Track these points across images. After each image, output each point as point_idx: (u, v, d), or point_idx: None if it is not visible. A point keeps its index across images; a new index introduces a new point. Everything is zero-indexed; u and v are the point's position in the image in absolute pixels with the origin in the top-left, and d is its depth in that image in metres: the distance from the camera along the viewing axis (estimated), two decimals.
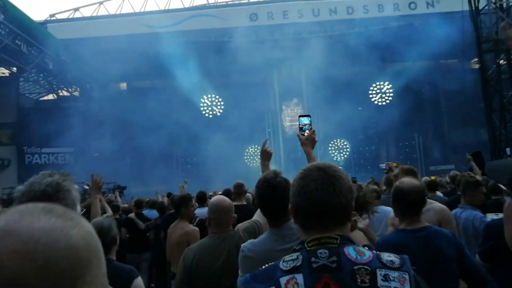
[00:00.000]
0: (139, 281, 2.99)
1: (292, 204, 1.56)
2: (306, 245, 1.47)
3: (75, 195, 1.79)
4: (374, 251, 1.46)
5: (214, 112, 42.58)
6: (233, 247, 3.04)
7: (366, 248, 1.49)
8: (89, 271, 0.72)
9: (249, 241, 2.58)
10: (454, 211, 4.81)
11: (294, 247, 1.51)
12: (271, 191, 2.57)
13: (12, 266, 0.64)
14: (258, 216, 3.34)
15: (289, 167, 36.04)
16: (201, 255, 3.14)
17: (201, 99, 41.94)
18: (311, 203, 1.48)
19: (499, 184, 5.44)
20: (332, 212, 1.48)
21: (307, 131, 2.94)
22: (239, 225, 3.60)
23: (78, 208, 1.82)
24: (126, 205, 11.15)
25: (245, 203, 6.42)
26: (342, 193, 1.49)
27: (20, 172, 34.41)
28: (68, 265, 0.69)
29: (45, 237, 0.68)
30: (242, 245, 2.55)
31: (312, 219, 1.50)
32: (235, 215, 3.32)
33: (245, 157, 41.62)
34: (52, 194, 1.70)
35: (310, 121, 2.95)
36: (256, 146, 42.00)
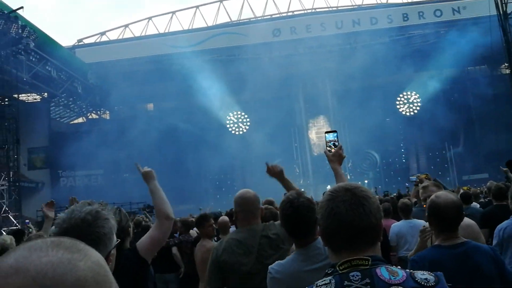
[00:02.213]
0: None
1: (322, 227, 1.54)
2: (338, 268, 1.44)
3: (113, 224, 1.86)
4: (407, 270, 1.44)
5: (241, 129, 42.71)
6: (263, 239, 3.00)
7: (399, 267, 1.46)
8: None
9: (276, 262, 2.57)
10: (505, 222, 4.51)
11: (327, 270, 1.49)
12: (295, 212, 2.56)
13: None
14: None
15: (318, 182, 35.75)
16: (229, 248, 3.09)
17: (227, 117, 42.17)
18: (341, 225, 1.47)
19: None
20: (363, 233, 1.47)
21: (333, 147, 2.86)
22: None
23: (114, 238, 1.86)
24: None
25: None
26: (372, 213, 1.48)
27: (53, 194, 35.05)
28: None
29: (52, 271, 0.68)
30: (269, 266, 2.53)
31: (343, 241, 1.48)
32: (262, 207, 3.26)
33: None
34: (92, 222, 1.77)
35: (337, 136, 2.87)
36: (283, 161, 41.85)
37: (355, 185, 1.56)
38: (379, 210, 1.52)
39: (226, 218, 6.31)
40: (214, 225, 5.72)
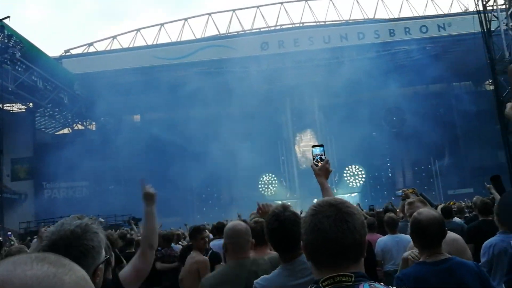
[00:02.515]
0: None
1: (305, 242, 1.51)
2: (320, 285, 1.41)
3: (102, 238, 1.85)
4: (390, 287, 1.41)
5: (228, 142, 42.58)
6: (251, 275, 2.89)
7: (382, 283, 1.44)
8: None
9: (262, 277, 2.53)
10: (493, 238, 4.40)
11: (309, 286, 1.46)
12: (280, 226, 2.51)
13: None
14: None
15: (305, 195, 35.72)
16: (218, 284, 3.00)
17: (214, 129, 42.05)
18: (325, 241, 1.44)
19: None
20: (347, 250, 1.44)
21: (320, 161, 2.84)
22: None
23: (103, 252, 1.84)
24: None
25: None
26: (356, 229, 1.45)
27: (36, 206, 34.56)
28: None
29: (37, 284, 0.68)
30: (255, 281, 2.50)
31: (326, 257, 1.45)
32: (253, 240, 3.19)
33: (260, 186, 41.40)
34: (81, 234, 1.76)
35: (323, 150, 2.86)
36: (270, 174, 41.83)
37: (340, 200, 1.54)
38: (363, 227, 1.49)
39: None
40: (206, 238, 5.69)
